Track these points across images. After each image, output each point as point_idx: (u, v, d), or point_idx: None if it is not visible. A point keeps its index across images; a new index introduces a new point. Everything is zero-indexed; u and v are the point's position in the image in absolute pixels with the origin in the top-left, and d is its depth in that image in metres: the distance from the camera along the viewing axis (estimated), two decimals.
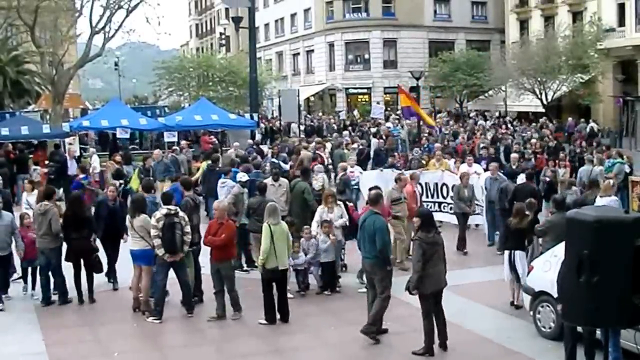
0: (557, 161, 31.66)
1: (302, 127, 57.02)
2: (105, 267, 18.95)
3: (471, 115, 69.19)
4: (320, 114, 76.14)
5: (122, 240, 19.02)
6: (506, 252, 17.75)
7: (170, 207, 16.87)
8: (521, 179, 25.45)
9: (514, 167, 29.21)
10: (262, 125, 53.97)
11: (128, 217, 17.33)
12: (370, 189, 17.65)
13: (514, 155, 30.90)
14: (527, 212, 17.67)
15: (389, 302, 15.44)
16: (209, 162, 28.95)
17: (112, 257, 19.51)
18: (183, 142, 37.26)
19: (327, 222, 19.22)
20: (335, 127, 56.52)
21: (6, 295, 18.11)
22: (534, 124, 55.84)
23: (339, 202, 20.37)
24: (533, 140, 39.10)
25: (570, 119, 57.69)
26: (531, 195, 20.13)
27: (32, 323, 16.39)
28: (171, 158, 31.80)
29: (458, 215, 24.39)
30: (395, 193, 21.89)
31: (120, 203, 20.44)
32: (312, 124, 61.08)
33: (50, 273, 17.89)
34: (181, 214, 16.94)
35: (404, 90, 43.59)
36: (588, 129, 52.54)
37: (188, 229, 16.83)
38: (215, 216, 17.11)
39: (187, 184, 20.28)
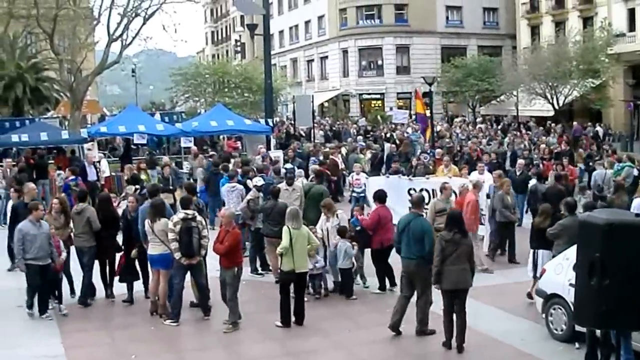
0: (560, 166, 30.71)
1: (322, 133, 57.36)
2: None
3: (477, 120, 69.21)
4: (341, 120, 75.96)
5: (134, 252, 18.09)
6: (531, 251, 17.91)
7: (187, 211, 16.83)
8: (551, 180, 26.52)
9: (518, 173, 28.84)
10: (281, 130, 54.20)
11: (147, 221, 17.09)
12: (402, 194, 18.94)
13: (520, 162, 30.39)
14: (561, 212, 17.54)
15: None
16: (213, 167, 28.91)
17: (132, 266, 18.67)
18: (194, 148, 37.13)
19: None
20: (355, 133, 56.34)
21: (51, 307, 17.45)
22: (540, 128, 55.93)
23: (339, 211, 20.09)
24: (542, 146, 38.74)
25: (575, 123, 57.53)
26: (560, 196, 20.19)
27: (50, 327, 16.39)
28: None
29: (500, 224, 22.78)
30: (440, 204, 20.73)
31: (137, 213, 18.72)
32: (334, 129, 61.01)
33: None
34: (199, 218, 16.94)
35: (420, 97, 43.45)
36: (592, 133, 52.48)
37: (205, 232, 16.84)
38: (222, 223, 16.91)
39: (191, 188, 20.58)
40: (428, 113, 43.00)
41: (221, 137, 44.78)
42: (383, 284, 19.22)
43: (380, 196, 18.94)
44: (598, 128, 55.09)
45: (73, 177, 28.39)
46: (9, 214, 30.35)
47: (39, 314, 17.02)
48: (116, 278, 18.68)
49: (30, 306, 17.18)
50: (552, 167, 31.25)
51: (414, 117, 56.72)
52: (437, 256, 14.67)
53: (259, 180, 22.94)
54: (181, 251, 16.18)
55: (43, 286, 17.10)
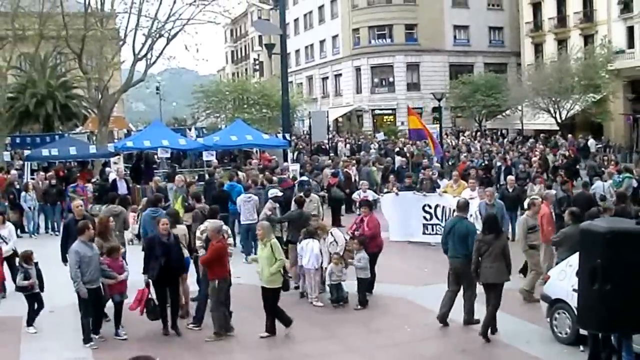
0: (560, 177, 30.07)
1: (348, 147, 57.79)
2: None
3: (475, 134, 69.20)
4: (361, 134, 75.92)
5: (181, 280, 16.57)
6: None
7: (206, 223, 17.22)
8: (579, 188, 26.41)
9: (509, 189, 27.19)
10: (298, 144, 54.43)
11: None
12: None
13: (510, 178, 28.75)
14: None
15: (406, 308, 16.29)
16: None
17: (173, 301, 16.24)
18: (214, 161, 37.23)
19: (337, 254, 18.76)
20: (377, 147, 56.26)
21: (100, 336, 15.87)
22: (532, 140, 55.91)
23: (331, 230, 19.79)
24: (534, 159, 38.54)
25: (570, 135, 57.43)
26: (589, 202, 20.91)
27: (78, 330, 16.16)
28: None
29: None
30: (530, 220, 19.34)
31: (176, 237, 16.45)
32: (359, 143, 61.05)
33: None
34: (224, 227, 17.07)
35: (414, 112, 41.03)
36: (581, 145, 52.30)
37: (230, 240, 17.36)
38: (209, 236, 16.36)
39: (198, 197, 21.46)
40: (435, 128, 42.74)
41: (254, 150, 44.66)
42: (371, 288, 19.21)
43: (460, 207, 17.78)
44: (591, 141, 54.81)
45: (74, 184, 30.77)
46: (42, 225, 30.93)
47: (84, 342, 15.43)
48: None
49: (89, 338, 15.47)
50: (544, 182, 29.64)
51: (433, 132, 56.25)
52: (474, 254, 15.58)
53: (276, 192, 22.95)
54: None
55: (97, 311, 15.80)
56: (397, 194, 27.36)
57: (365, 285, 18.55)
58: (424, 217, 25.97)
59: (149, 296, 15.86)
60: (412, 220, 26.07)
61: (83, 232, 15.41)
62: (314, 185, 30.10)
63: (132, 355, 6.72)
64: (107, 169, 37.47)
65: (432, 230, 25.61)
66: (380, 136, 65.37)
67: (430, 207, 25.62)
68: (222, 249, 15.74)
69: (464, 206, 17.25)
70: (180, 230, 17.24)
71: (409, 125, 41.07)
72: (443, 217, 25.02)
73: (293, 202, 22.04)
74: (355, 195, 27.80)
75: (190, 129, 54.14)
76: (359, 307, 18.06)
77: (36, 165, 38.87)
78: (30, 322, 16.55)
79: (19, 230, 29.85)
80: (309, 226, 19.47)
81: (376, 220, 19.77)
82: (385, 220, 25.71)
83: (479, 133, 70.38)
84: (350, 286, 18.61)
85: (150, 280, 15.83)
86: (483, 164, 38.21)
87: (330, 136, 69.23)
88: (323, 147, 54.85)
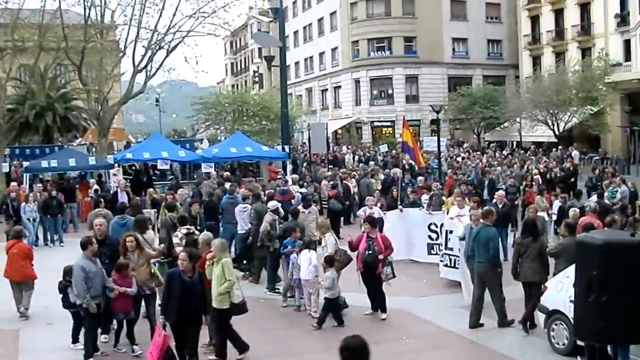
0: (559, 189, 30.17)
1: (356, 158, 57.95)
2: None
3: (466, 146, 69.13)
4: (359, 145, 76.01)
5: (203, 325, 14.61)
6: None
7: (189, 227, 18.13)
8: (594, 198, 26.16)
9: (500, 205, 25.03)
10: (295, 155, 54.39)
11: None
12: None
13: (499, 193, 26.62)
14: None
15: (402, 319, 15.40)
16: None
17: (190, 345, 14.04)
18: (212, 173, 37.22)
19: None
20: (381, 159, 56.20)
21: (102, 352, 15.38)
22: (522, 151, 55.94)
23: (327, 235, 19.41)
24: (535, 171, 38.06)
25: (560, 147, 57.50)
26: (608, 211, 21.51)
27: (81, 343, 16.06)
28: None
29: None
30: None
31: (200, 275, 14.28)
32: (367, 155, 61.05)
33: None
34: (197, 232, 17.97)
35: (407, 126, 39.31)
36: (565, 155, 52.37)
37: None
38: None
39: (172, 206, 22.04)
40: (442, 141, 42.33)
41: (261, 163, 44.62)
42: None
43: (485, 214, 18.05)
44: (575, 152, 54.96)
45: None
46: (40, 236, 30.83)
47: (85, 358, 14.87)
48: None
49: (90, 355, 14.93)
50: (533, 195, 29.72)
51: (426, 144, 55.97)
52: (514, 256, 16.93)
53: (274, 205, 22.96)
54: None
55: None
56: (401, 210, 25.73)
57: (330, 306, 17.56)
58: (429, 237, 24.20)
59: (168, 345, 13.91)
60: (416, 240, 24.60)
61: (86, 247, 15.07)
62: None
63: None
64: (111, 178, 37.39)
65: (439, 250, 23.16)
66: (383, 148, 65.46)
67: (436, 225, 23.71)
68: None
69: (487, 214, 17.74)
70: (149, 236, 17.41)
71: (402, 137, 39.91)
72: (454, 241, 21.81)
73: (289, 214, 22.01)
74: (360, 212, 26.47)
75: (201, 142, 54.13)
76: (335, 324, 17.49)
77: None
78: (77, 338, 15.87)
79: None
80: (305, 237, 19.49)
81: (387, 239, 18.74)
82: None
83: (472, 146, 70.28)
84: (352, 298, 18.64)
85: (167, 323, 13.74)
86: (473, 179, 36.59)
87: (337, 148, 69.42)
88: (331, 158, 54.86)
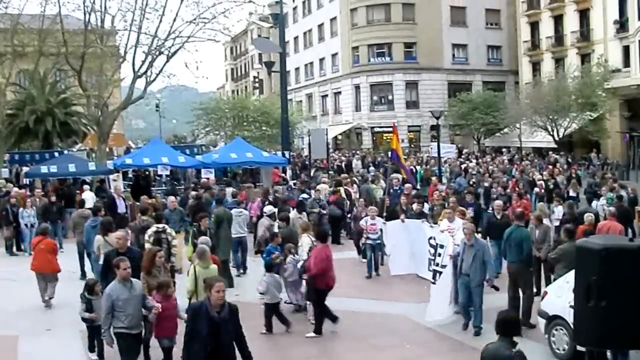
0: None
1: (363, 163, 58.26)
2: None
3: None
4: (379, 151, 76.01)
5: None
6: None
7: (159, 225, 18.89)
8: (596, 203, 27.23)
9: (498, 217, 22.99)
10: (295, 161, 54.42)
11: (99, 237, 18.28)
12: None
13: (497, 202, 24.24)
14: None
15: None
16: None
17: None
18: (211, 178, 37.14)
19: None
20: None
21: None
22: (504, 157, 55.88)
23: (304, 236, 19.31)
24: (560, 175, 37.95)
25: (550, 152, 57.60)
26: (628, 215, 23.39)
27: (80, 350, 16.04)
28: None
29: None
30: None
31: (232, 310, 11.36)
32: (377, 161, 60.97)
33: None
34: (168, 230, 18.84)
35: (397, 132, 32.99)
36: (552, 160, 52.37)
37: (175, 242, 18.79)
38: None
39: (144, 210, 22.02)
40: (452, 148, 41.96)
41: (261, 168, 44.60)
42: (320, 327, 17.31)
43: (518, 216, 18.45)
44: (556, 156, 54.90)
45: None
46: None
47: None
48: None
49: None
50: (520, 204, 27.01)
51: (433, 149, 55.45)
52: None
53: (270, 210, 22.99)
54: None
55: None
56: (402, 221, 23.07)
57: (270, 310, 17.34)
58: (429, 252, 20.35)
59: None
60: (418, 253, 21.42)
61: (117, 268, 13.19)
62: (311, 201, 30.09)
63: None
64: (112, 184, 37.40)
65: (435, 265, 19.78)
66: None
67: (434, 239, 20.16)
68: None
69: (521, 215, 18.48)
70: (112, 238, 17.31)
71: (391, 144, 35.99)
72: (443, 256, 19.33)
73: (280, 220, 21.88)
74: (362, 223, 24.57)
75: (215, 146, 54.16)
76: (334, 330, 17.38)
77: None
78: (92, 348, 15.43)
79: (14, 248, 29.93)
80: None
81: (325, 254, 17.35)
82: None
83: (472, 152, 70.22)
84: (355, 304, 18.61)
85: None
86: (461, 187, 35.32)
87: (346, 153, 69.42)
88: (339, 164, 54.92)
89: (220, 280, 11.45)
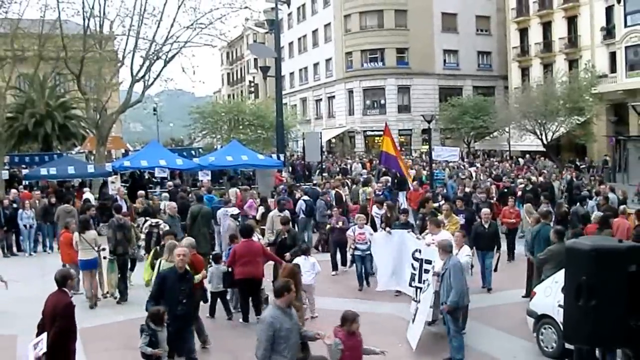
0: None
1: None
2: None
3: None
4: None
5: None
6: None
7: (153, 220, 21.18)
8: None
9: (485, 226, 21.88)
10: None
11: (76, 234, 19.63)
12: None
13: (485, 211, 22.60)
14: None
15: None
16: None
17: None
18: (206, 181, 37.04)
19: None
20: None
21: None
22: (492, 159, 55.81)
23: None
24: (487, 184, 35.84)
25: (527, 155, 57.63)
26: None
27: (80, 349, 15.85)
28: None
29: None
30: None
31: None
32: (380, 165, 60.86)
33: None
34: (162, 225, 20.56)
35: (390, 133, 33.08)
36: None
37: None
38: None
39: (118, 208, 22.43)
40: (455, 151, 41.48)
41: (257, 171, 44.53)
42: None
43: (543, 215, 20.84)
44: (547, 163, 55.03)
45: None
46: (39, 242, 30.73)
47: None
48: None
49: None
50: (501, 209, 27.37)
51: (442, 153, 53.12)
52: None
53: (234, 210, 23.81)
54: (145, 249, 19.27)
55: None
56: (389, 232, 20.79)
57: (213, 299, 18.59)
58: (412, 265, 18.10)
59: None
60: (399, 267, 19.48)
61: (282, 295, 10.68)
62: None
63: None
64: (110, 186, 37.34)
65: (419, 282, 17.52)
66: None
67: (419, 252, 17.89)
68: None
69: (546, 214, 20.32)
70: (90, 235, 19.37)
71: (381, 146, 33.49)
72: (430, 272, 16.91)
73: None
74: (349, 232, 22.63)
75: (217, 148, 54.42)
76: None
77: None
78: None
79: (14, 249, 29.85)
80: (302, 244, 19.45)
81: (235, 249, 18.07)
82: None
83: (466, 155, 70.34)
84: (347, 304, 18.55)
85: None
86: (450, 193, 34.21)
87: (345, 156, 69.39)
88: (343, 168, 55.02)
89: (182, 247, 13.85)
